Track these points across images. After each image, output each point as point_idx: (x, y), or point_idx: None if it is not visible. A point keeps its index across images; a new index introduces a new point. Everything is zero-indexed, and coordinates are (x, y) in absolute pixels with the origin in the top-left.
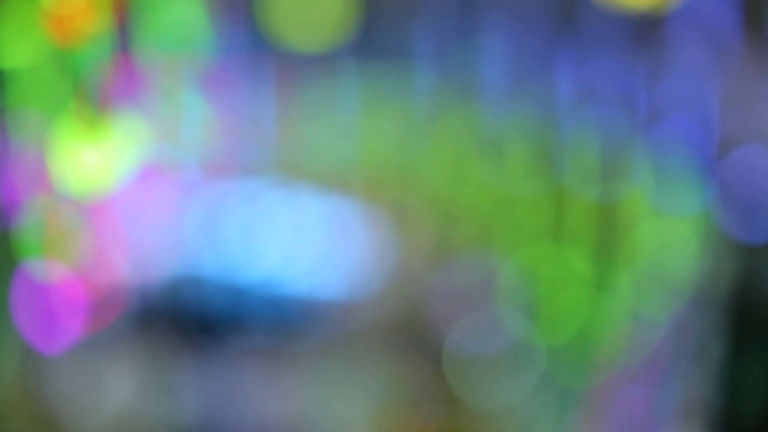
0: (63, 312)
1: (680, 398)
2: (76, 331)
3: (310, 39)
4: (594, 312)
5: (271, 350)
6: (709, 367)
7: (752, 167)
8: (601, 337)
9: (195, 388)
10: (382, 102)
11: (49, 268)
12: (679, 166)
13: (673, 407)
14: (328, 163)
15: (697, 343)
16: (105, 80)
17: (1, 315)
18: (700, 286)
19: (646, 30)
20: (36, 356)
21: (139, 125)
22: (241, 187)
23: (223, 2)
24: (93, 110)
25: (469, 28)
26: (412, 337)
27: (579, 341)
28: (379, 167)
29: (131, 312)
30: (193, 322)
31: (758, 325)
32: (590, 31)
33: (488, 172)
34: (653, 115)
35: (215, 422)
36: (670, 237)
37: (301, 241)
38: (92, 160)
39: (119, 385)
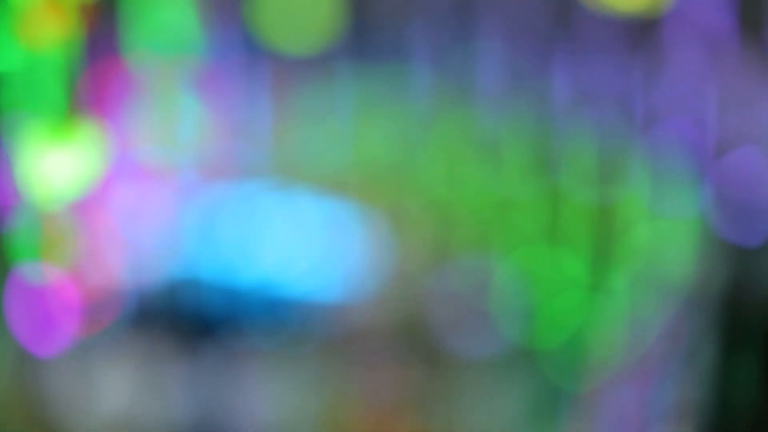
0: (57, 314)
1: (672, 400)
2: (71, 334)
3: (304, 41)
4: (590, 314)
5: (268, 353)
6: (701, 368)
7: (748, 170)
8: (597, 339)
9: (192, 391)
10: (378, 104)
11: (43, 270)
12: (675, 169)
13: (664, 409)
14: (325, 166)
15: (689, 344)
16: (93, 83)
17: None
18: (694, 288)
19: (642, 33)
20: (30, 359)
21: (128, 129)
22: (239, 190)
23: (216, 5)
24: (79, 114)
25: (465, 30)
26: (410, 339)
27: (575, 343)
28: (376, 170)
29: (128, 314)
30: (191, 324)
31: (751, 327)
32: (586, 33)
33: (485, 174)
34: (649, 118)
35: (212, 425)
36: (666, 239)
37: (298, 244)
38: (72, 163)
39: (116, 387)
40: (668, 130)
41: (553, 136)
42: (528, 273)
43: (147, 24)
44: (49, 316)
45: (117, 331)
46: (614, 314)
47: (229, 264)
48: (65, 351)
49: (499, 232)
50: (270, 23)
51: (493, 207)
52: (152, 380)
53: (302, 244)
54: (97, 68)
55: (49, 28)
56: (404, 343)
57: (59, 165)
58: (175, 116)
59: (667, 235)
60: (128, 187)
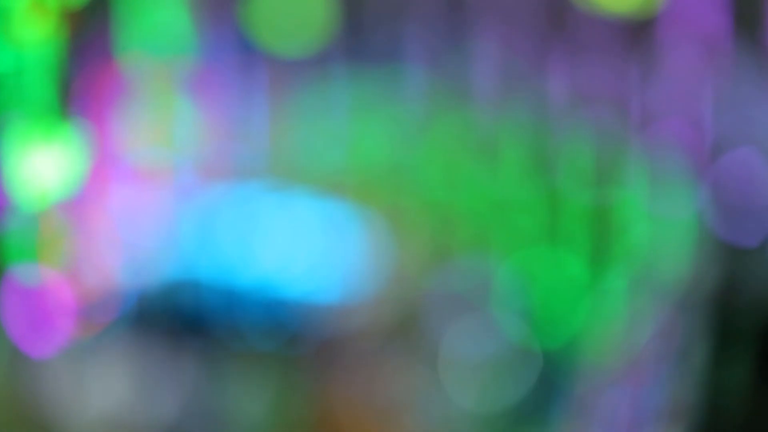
0: (52, 315)
1: (664, 400)
2: (66, 335)
3: (299, 42)
4: (589, 315)
5: (266, 353)
6: (697, 369)
7: (745, 170)
8: (596, 339)
9: (189, 392)
10: (375, 105)
11: (37, 271)
12: (671, 169)
13: (657, 409)
14: (322, 167)
15: (684, 345)
16: (88, 85)
17: None
18: (690, 288)
19: (638, 33)
20: (25, 359)
21: (123, 131)
22: (237, 191)
23: (210, 6)
24: (71, 115)
25: (461, 31)
26: (408, 340)
27: (575, 344)
28: (374, 171)
29: (126, 315)
30: (189, 325)
31: (747, 328)
32: (582, 34)
33: (483, 175)
34: (646, 119)
35: (209, 425)
36: (663, 240)
37: (296, 245)
38: (64, 163)
39: (112, 388)
40: (664, 130)
41: (549, 137)
42: (527, 274)
43: (141, 25)
44: (44, 316)
45: (114, 332)
46: (613, 314)
47: (226, 265)
48: (60, 352)
49: (498, 232)
50: (264, 24)
51: (491, 208)
52: (150, 380)
53: (300, 245)
54: (91, 70)
55: (40, 29)
56: (403, 344)
57: (51, 166)
58: (170, 117)
59: (663, 235)
60: (124, 189)
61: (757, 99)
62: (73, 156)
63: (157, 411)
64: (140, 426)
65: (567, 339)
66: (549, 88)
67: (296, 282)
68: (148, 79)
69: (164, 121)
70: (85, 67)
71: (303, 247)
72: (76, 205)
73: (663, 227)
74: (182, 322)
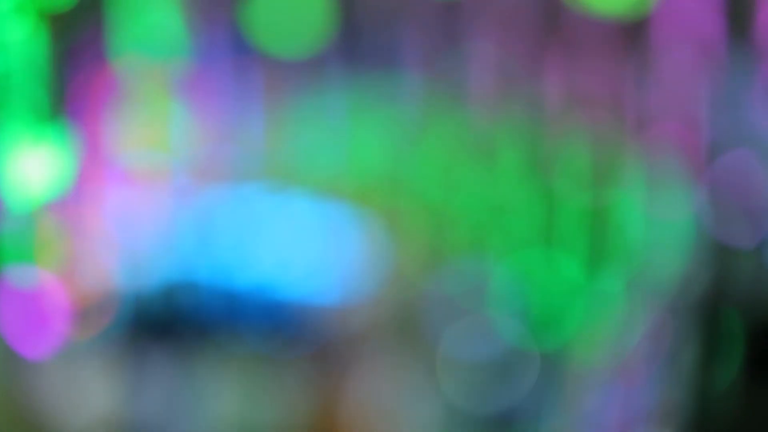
0: (47, 317)
1: (656, 401)
2: (61, 336)
3: (295, 44)
4: (585, 316)
5: (264, 355)
6: (692, 369)
7: (740, 172)
8: (592, 339)
9: (188, 393)
10: (372, 108)
11: (33, 273)
12: (667, 171)
13: (648, 409)
14: (320, 169)
15: (674, 346)
16: (83, 88)
17: None
18: (686, 289)
19: (633, 36)
20: (20, 361)
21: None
22: (235, 193)
23: (207, 8)
24: (64, 117)
25: (457, 34)
26: (406, 341)
27: (571, 345)
28: (371, 173)
29: (124, 317)
30: (187, 327)
31: (734, 330)
32: (578, 37)
33: (479, 178)
34: (642, 121)
35: (207, 426)
36: (659, 241)
37: (294, 247)
38: (57, 166)
39: (109, 390)
40: (660, 132)
41: (545, 139)
42: (523, 275)
43: (134, 27)
44: (39, 318)
45: (112, 334)
46: (609, 315)
47: (224, 267)
48: (55, 354)
49: (494, 234)
50: (261, 26)
51: (488, 210)
52: (148, 382)
53: (298, 247)
54: (85, 72)
55: (28, 31)
56: (401, 345)
57: (43, 168)
58: (164, 120)
59: (659, 237)
60: (121, 191)
61: (752, 100)
62: (65, 158)
63: (153, 413)
64: (136, 427)
65: (563, 340)
66: (545, 91)
67: (294, 284)
68: (143, 81)
69: (159, 123)
70: (79, 69)
71: (301, 250)
72: (72, 207)
73: (659, 229)
74: (181, 323)
